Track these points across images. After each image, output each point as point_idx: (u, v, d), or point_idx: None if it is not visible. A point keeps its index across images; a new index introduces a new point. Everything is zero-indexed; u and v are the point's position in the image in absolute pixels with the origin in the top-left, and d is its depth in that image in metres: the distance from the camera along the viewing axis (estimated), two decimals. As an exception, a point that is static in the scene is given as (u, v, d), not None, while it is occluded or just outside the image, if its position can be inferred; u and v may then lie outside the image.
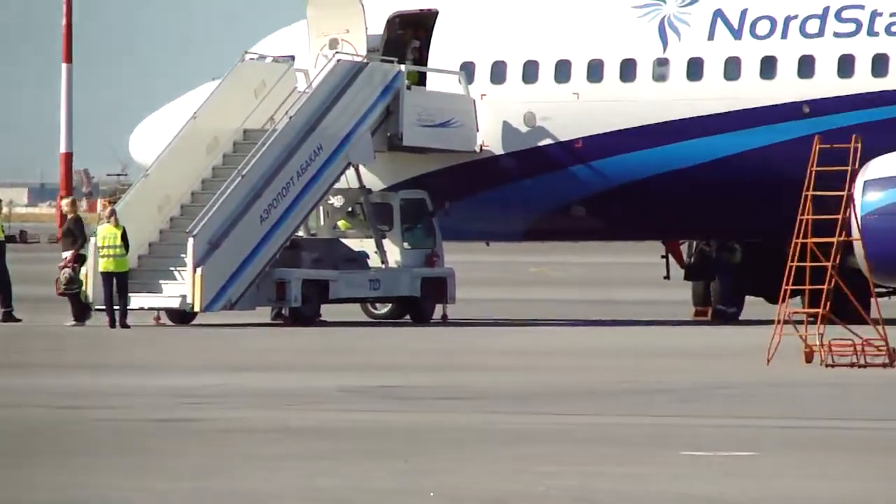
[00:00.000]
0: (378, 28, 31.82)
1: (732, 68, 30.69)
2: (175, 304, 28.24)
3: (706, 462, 8.68)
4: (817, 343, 19.57)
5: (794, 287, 20.76)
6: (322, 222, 31.45)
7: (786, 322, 20.19)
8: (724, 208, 30.80)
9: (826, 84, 30.20)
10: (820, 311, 19.92)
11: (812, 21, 30.29)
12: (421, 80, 32.49)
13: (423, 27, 32.52)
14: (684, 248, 33.74)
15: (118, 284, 27.38)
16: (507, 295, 40.19)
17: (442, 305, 30.98)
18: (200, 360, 21.88)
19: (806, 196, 20.57)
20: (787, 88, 30.40)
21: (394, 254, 30.59)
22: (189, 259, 27.51)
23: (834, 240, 20.43)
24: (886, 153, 27.35)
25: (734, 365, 20.43)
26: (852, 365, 19.29)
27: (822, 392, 16.41)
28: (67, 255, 28.85)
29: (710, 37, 30.78)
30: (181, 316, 28.82)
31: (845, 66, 30.08)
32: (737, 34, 30.65)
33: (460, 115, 31.62)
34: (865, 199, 26.08)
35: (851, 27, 30.26)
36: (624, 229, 34.35)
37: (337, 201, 31.16)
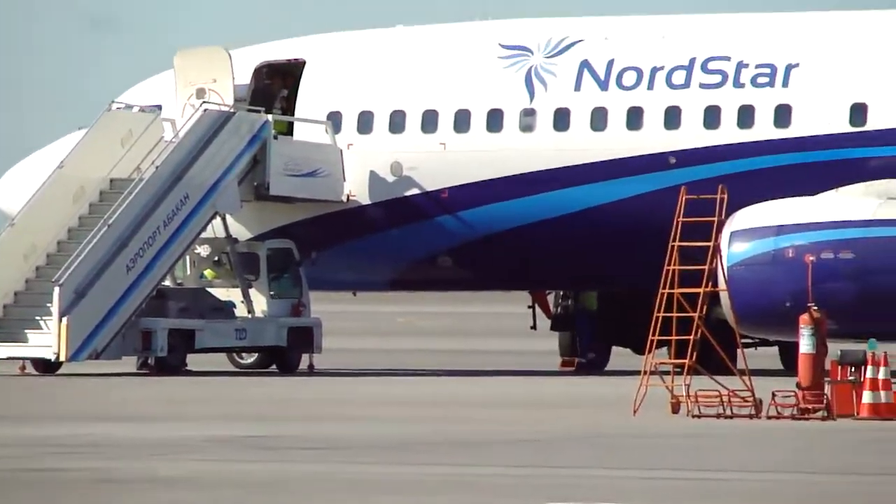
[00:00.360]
0: (245, 78, 31.68)
1: (599, 119, 31.11)
2: (41, 353, 27.67)
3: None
4: (684, 394, 19.71)
5: (660, 338, 20.93)
6: (188, 272, 31.10)
7: (652, 373, 20.31)
8: (590, 259, 31.12)
9: (692, 135, 30.79)
10: (686, 361, 20.10)
11: (678, 72, 30.79)
12: (288, 129, 32.38)
13: (290, 77, 32.43)
14: (551, 298, 34.06)
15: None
16: (374, 345, 40.10)
17: (308, 355, 30.82)
18: (66, 409, 21.34)
19: (672, 247, 20.82)
20: (654, 139, 30.95)
21: (260, 303, 30.36)
22: (55, 308, 26.99)
23: (700, 290, 20.70)
24: (752, 204, 27.96)
25: (600, 415, 20.48)
26: (719, 416, 19.45)
27: (689, 443, 16.51)
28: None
29: (577, 87, 31.14)
30: (46, 365, 28.25)
31: (711, 117, 30.60)
32: (603, 85, 31.04)
33: (327, 165, 31.54)
34: (732, 250, 26.64)
35: (717, 78, 30.83)
36: (491, 279, 34.51)
37: (203, 250, 30.81)
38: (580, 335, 32.76)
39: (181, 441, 15.36)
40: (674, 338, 21.06)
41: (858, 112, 29.97)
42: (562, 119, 31.11)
